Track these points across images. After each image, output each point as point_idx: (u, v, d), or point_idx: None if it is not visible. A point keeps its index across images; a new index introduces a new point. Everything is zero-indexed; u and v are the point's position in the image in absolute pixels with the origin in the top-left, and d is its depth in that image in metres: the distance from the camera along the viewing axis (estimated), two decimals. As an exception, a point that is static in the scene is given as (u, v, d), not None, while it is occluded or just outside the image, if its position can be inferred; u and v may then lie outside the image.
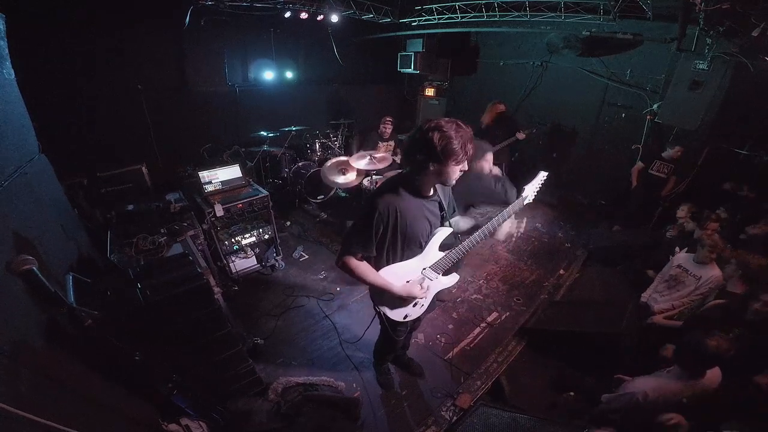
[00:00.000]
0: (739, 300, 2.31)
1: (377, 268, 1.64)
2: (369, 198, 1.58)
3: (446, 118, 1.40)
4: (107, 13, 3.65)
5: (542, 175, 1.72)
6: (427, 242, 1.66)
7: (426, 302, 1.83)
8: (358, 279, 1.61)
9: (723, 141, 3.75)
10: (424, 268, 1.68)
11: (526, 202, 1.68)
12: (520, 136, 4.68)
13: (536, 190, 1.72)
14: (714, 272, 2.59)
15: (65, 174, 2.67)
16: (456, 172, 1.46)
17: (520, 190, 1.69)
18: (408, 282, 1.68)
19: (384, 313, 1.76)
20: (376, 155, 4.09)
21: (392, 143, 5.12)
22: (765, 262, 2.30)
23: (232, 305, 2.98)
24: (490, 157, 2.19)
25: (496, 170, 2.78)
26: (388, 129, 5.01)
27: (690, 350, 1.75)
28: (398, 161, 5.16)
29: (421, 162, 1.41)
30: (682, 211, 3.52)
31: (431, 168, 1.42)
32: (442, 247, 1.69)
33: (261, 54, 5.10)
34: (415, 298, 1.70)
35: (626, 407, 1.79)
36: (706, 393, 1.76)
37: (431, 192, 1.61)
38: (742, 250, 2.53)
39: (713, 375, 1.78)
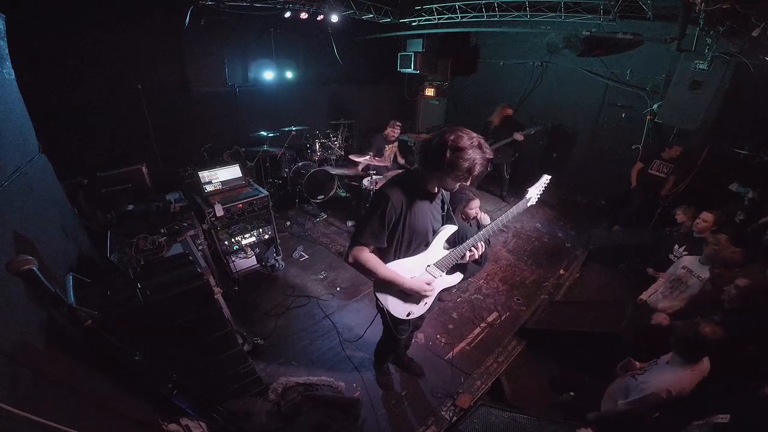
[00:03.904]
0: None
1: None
2: (380, 189, 1.60)
3: (471, 135, 1.41)
4: (107, 13, 3.65)
5: (545, 178, 1.77)
6: (432, 239, 1.67)
7: (430, 300, 1.84)
8: (368, 272, 1.60)
9: (723, 141, 3.76)
10: (429, 265, 1.69)
11: (529, 204, 1.72)
12: (518, 137, 4.74)
13: (539, 193, 1.75)
14: None
15: (65, 174, 2.68)
16: (455, 185, 1.52)
17: (523, 192, 1.72)
18: (412, 278, 1.68)
19: (387, 311, 1.77)
20: (374, 160, 4.10)
21: (395, 145, 5.13)
22: (737, 252, 2.33)
23: (232, 305, 2.97)
24: (475, 204, 2.32)
25: (485, 217, 2.91)
26: (396, 133, 4.99)
27: (689, 341, 1.77)
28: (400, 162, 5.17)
29: (428, 166, 1.48)
30: (680, 215, 3.50)
31: (435, 174, 1.49)
32: (446, 245, 1.71)
33: (261, 54, 5.09)
34: (423, 293, 1.69)
35: (653, 408, 1.79)
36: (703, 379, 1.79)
37: (436, 190, 1.64)
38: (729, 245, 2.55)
39: (707, 362, 1.80)
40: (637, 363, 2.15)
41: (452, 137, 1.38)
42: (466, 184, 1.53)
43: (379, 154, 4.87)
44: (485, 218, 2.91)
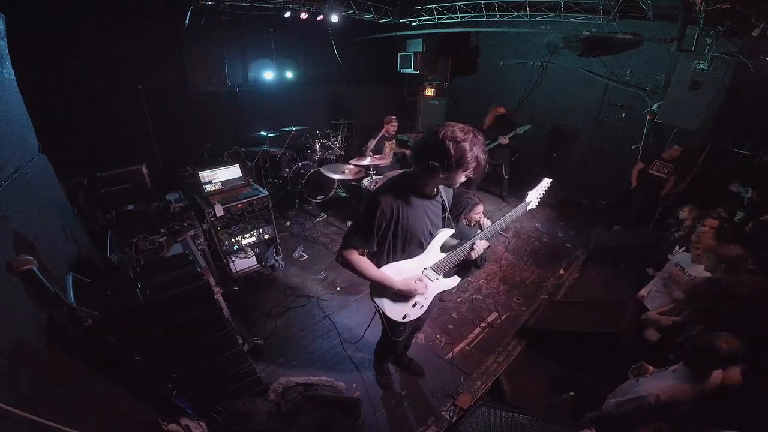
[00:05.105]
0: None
1: (377, 266, 1.64)
2: (372, 194, 1.58)
3: (461, 126, 1.40)
4: (107, 13, 3.65)
5: (546, 182, 1.75)
6: (428, 242, 1.66)
7: (426, 303, 1.83)
8: (358, 274, 1.60)
9: (723, 141, 3.76)
10: (425, 269, 1.68)
11: (529, 207, 1.71)
12: (503, 141, 4.76)
13: (540, 197, 1.74)
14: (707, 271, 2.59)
15: (65, 174, 2.68)
16: (462, 178, 1.48)
17: (523, 195, 1.71)
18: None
19: (383, 313, 1.76)
20: (376, 156, 4.10)
21: (394, 142, 5.13)
22: (741, 252, 2.33)
23: (232, 305, 2.97)
24: (479, 209, 2.32)
25: (487, 223, 2.90)
26: (395, 127, 5.00)
27: (701, 353, 1.72)
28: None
29: (431, 167, 1.42)
30: (684, 213, 3.51)
31: (441, 175, 1.44)
32: (444, 248, 1.69)
33: (261, 54, 5.10)
34: (414, 293, 1.68)
35: (637, 411, 1.78)
36: (709, 392, 1.76)
37: (435, 192, 1.62)
38: (722, 242, 2.54)
39: (717, 374, 1.77)
40: (651, 367, 2.14)
41: (447, 133, 1.37)
42: (472, 176, 1.50)
43: (379, 152, 4.88)
44: (487, 224, 2.90)
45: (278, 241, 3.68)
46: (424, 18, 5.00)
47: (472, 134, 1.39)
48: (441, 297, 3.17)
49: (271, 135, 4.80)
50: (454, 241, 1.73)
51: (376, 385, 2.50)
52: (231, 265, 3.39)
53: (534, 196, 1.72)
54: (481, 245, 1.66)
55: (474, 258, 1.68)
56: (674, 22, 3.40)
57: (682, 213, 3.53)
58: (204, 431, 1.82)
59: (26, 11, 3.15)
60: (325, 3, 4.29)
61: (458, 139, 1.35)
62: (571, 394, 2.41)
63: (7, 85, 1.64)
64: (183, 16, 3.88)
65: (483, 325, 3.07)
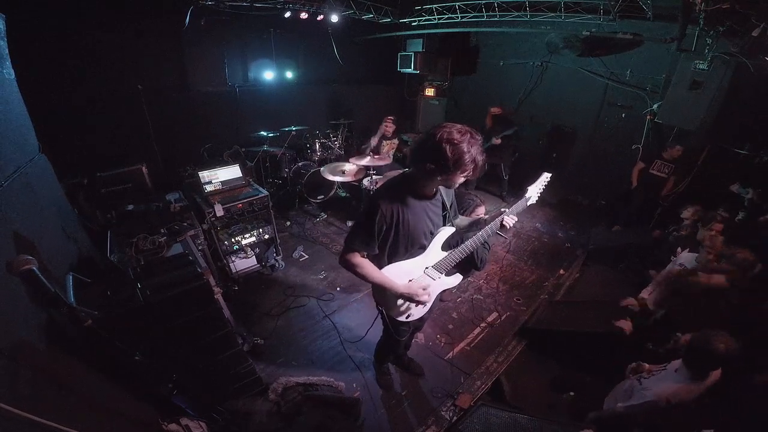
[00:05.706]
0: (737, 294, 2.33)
1: (379, 267, 1.64)
2: (372, 197, 1.58)
3: (458, 127, 1.38)
4: (107, 13, 3.66)
5: (545, 176, 1.76)
6: (429, 242, 1.66)
7: (429, 302, 1.83)
8: (360, 277, 1.61)
9: (723, 141, 3.75)
10: (427, 268, 1.68)
11: (529, 202, 1.71)
12: (496, 141, 4.83)
13: (539, 191, 1.74)
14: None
15: (65, 174, 2.68)
16: (461, 179, 1.47)
17: (523, 191, 1.71)
18: (410, 281, 1.67)
19: (386, 313, 1.76)
20: (375, 156, 4.10)
21: (396, 141, 5.14)
22: (749, 256, 2.33)
23: (232, 305, 2.97)
24: (481, 210, 2.33)
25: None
26: (390, 128, 5.03)
27: (699, 354, 1.72)
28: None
29: (429, 170, 1.41)
30: (687, 212, 3.50)
31: (439, 177, 1.44)
32: (445, 246, 1.69)
33: (261, 54, 5.10)
34: (417, 298, 1.68)
35: (650, 414, 1.79)
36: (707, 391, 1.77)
37: (434, 192, 1.62)
38: (732, 245, 2.55)
39: (715, 372, 1.78)
40: (647, 365, 2.14)
41: (444, 134, 1.36)
42: (471, 176, 1.50)
43: (377, 152, 4.89)
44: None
45: (278, 241, 3.68)
46: (424, 18, 5.00)
47: (469, 135, 1.37)
48: (441, 297, 3.18)
49: (271, 135, 4.80)
50: (455, 240, 1.73)
51: (376, 385, 2.50)
52: (231, 265, 3.39)
53: (534, 191, 1.71)
54: (510, 221, 1.64)
55: (507, 227, 1.63)
56: (674, 22, 3.40)
57: (684, 213, 3.52)
58: (204, 431, 1.82)
59: (26, 11, 3.15)
60: (325, 3, 4.29)
61: (455, 141, 1.34)
62: (571, 394, 2.41)
63: (7, 85, 1.64)
64: (183, 16, 3.88)
65: (483, 325, 3.07)
